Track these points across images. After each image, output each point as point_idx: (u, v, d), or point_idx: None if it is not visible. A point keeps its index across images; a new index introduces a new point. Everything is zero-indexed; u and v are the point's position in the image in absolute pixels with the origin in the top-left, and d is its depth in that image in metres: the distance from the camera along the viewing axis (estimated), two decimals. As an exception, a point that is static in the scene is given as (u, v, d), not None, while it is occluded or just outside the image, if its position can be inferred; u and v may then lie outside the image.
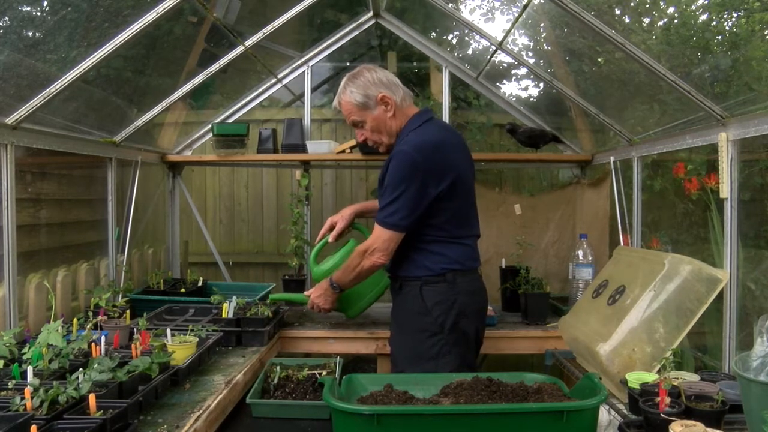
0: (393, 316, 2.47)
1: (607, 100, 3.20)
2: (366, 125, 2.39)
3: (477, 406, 1.62)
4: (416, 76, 4.89)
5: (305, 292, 2.74)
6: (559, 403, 1.62)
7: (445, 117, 3.83)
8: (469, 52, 4.81)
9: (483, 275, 2.53)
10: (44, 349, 1.86)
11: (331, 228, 2.71)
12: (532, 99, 4.35)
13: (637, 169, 3.04)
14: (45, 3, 2.20)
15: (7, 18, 2.06)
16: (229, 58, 3.26)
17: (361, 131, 2.43)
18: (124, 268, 3.10)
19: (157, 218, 3.79)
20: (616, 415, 1.92)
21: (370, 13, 3.82)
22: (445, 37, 4.92)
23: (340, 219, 2.70)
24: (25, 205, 2.51)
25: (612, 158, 3.27)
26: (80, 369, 1.73)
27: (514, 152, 4.13)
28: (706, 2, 2.80)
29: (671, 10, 2.74)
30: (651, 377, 1.92)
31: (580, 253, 3.13)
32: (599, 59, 2.98)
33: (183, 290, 3.14)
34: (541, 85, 4.08)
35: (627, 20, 2.68)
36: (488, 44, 3.65)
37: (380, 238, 2.27)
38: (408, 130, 2.34)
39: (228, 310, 2.68)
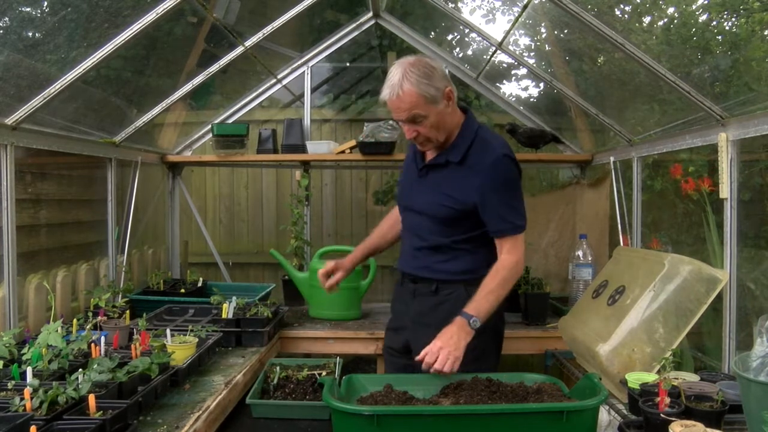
0: (424, 320, 2.24)
1: (607, 100, 3.20)
2: (427, 121, 2.11)
3: (477, 406, 1.62)
4: (416, 77, 4.87)
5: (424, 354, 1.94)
6: (559, 403, 1.62)
7: (445, 117, 3.83)
8: (469, 52, 4.81)
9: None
10: (44, 350, 1.86)
11: (330, 274, 2.40)
12: (532, 99, 4.35)
13: (637, 170, 3.04)
14: (45, 3, 2.20)
15: (7, 18, 2.06)
16: (229, 58, 3.27)
17: (416, 127, 2.13)
18: (123, 269, 3.10)
19: (157, 218, 3.79)
20: (616, 415, 1.92)
21: (370, 14, 3.82)
22: (445, 37, 4.91)
23: (342, 271, 2.40)
24: (25, 205, 2.51)
25: (612, 158, 3.27)
26: (80, 369, 1.73)
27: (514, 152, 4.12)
28: (706, 2, 2.80)
29: (671, 10, 2.74)
30: (651, 377, 1.92)
31: (580, 253, 3.13)
32: (599, 59, 2.98)
33: (183, 290, 3.14)
34: (541, 85, 4.08)
35: (627, 20, 2.68)
36: (488, 44, 3.65)
37: (519, 246, 2.16)
38: (472, 128, 2.20)
39: (228, 310, 2.67)
